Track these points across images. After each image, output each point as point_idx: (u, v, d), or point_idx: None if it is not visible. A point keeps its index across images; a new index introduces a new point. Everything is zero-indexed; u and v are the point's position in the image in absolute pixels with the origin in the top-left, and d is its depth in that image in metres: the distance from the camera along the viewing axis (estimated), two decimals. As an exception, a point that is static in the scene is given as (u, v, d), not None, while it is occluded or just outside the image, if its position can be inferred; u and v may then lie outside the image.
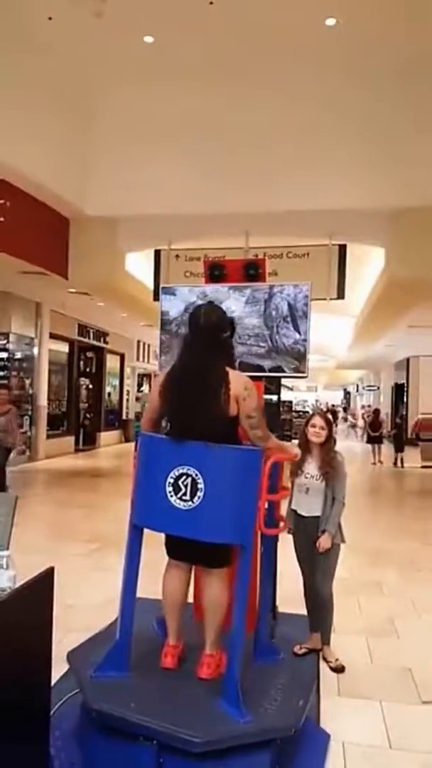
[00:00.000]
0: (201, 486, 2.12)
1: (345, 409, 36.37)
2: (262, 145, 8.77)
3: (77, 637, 2.86)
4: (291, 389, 23.45)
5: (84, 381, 15.95)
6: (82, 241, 10.06)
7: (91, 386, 16.54)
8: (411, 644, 3.55)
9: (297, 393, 38.55)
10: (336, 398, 38.46)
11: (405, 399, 21.31)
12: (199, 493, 2.12)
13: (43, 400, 12.96)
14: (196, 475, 2.13)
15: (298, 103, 8.51)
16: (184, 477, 2.14)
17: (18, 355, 12.32)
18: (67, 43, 7.73)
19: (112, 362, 18.03)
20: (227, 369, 2.27)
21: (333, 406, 36.72)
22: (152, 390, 2.37)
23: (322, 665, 3.12)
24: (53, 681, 2.69)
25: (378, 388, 28.65)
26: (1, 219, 8.74)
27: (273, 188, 8.64)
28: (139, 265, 11.26)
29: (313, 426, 3.11)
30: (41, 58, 7.92)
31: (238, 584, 2.17)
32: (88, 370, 16.38)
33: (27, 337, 12.57)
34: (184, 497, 2.14)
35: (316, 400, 38.34)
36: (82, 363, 15.87)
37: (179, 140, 9.01)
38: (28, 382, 12.58)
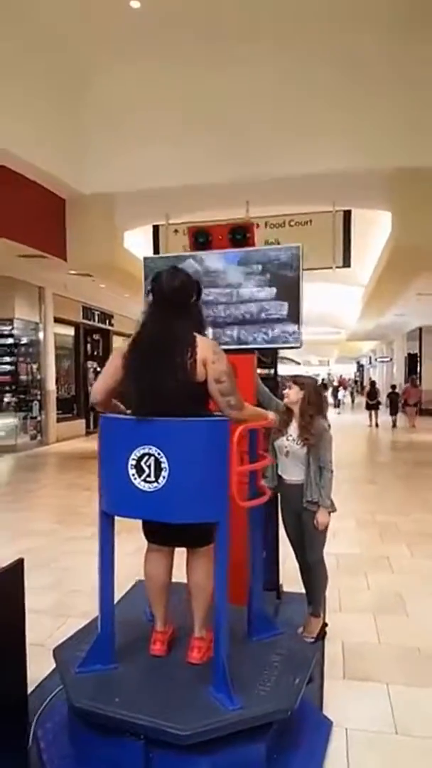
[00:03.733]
0: (165, 465, 1.97)
1: (356, 382, 35.63)
2: (258, 110, 8.43)
3: (76, 623, 2.75)
4: (299, 364, 22.96)
5: (91, 364, 15.87)
6: (80, 221, 9.85)
7: (98, 369, 16.45)
8: (420, 622, 3.41)
9: (309, 367, 38.21)
10: (349, 371, 37.84)
11: (418, 369, 20.95)
12: (163, 473, 1.97)
13: (51, 385, 12.91)
14: (159, 454, 1.98)
15: (296, 64, 8.14)
16: (147, 457, 1.99)
17: (24, 341, 12.25)
18: (54, 16, 7.42)
19: (118, 344, 17.86)
20: (194, 334, 2.12)
21: (329, 375, 36.26)
22: (113, 357, 2.21)
23: (327, 645, 3.00)
24: (46, 673, 2.62)
25: (391, 359, 28.23)
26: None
27: (272, 154, 8.34)
28: (138, 244, 11.03)
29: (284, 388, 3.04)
30: (29, 34, 7.63)
31: (217, 562, 2.03)
32: (95, 353, 16.28)
33: (31, 321, 12.47)
34: (148, 479, 1.99)
35: (328, 374, 37.81)
36: (88, 346, 15.76)
37: (173, 111, 8.70)
38: (35, 367, 12.52)
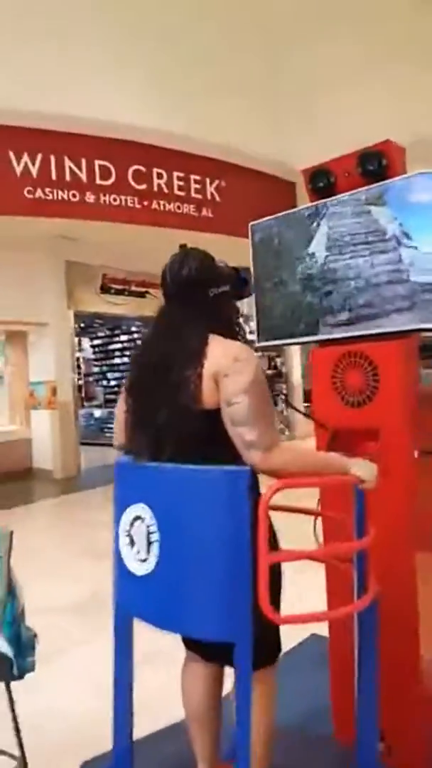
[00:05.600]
0: (155, 537, 1.27)
1: None
2: None
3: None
4: None
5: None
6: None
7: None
8: None
9: None
10: None
11: None
12: (154, 549, 1.27)
13: (296, 377, 12.63)
14: (151, 518, 1.28)
15: None
16: (138, 522, 1.32)
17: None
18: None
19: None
20: (209, 336, 1.39)
21: None
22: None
23: None
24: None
25: None
26: (218, 200, 8.59)
27: None
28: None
29: None
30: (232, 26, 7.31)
31: (239, 704, 1.22)
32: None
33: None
34: (139, 555, 1.31)
35: None
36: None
37: (397, 52, 7.33)
38: (279, 361, 12.40)
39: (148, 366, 1.44)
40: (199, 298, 1.46)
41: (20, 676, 1.64)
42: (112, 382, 13.25)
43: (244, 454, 1.29)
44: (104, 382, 13.48)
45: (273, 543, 1.29)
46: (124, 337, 13.12)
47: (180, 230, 7.97)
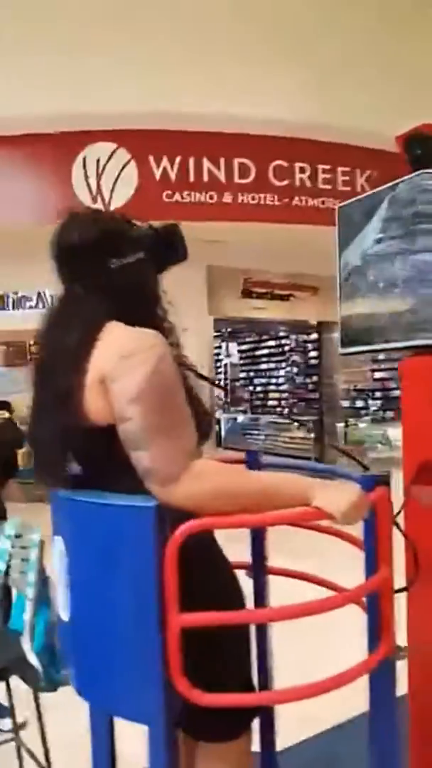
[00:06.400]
0: (69, 579, 1.00)
1: None
2: None
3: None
4: None
5: None
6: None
7: None
8: None
9: None
10: None
11: None
12: (69, 593, 1.00)
13: None
14: (66, 554, 1.02)
15: None
16: (60, 554, 1.04)
17: None
18: None
19: None
20: (107, 324, 1.02)
21: None
22: None
23: None
24: None
25: None
26: (368, 191, 7.88)
27: None
28: None
29: None
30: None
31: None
32: None
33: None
34: (64, 596, 1.04)
35: None
36: None
37: None
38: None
39: (35, 372, 1.11)
40: (92, 272, 1.07)
41: (53, 689, 1.46)
42: (258, 388, 13.17)
43: (147, 484, 0.92)
44: (250, 388, 13.44)
45: (207, 597, 0.91)
46: (271, 342, 12.94)
47: (325, 227, 7.44)
